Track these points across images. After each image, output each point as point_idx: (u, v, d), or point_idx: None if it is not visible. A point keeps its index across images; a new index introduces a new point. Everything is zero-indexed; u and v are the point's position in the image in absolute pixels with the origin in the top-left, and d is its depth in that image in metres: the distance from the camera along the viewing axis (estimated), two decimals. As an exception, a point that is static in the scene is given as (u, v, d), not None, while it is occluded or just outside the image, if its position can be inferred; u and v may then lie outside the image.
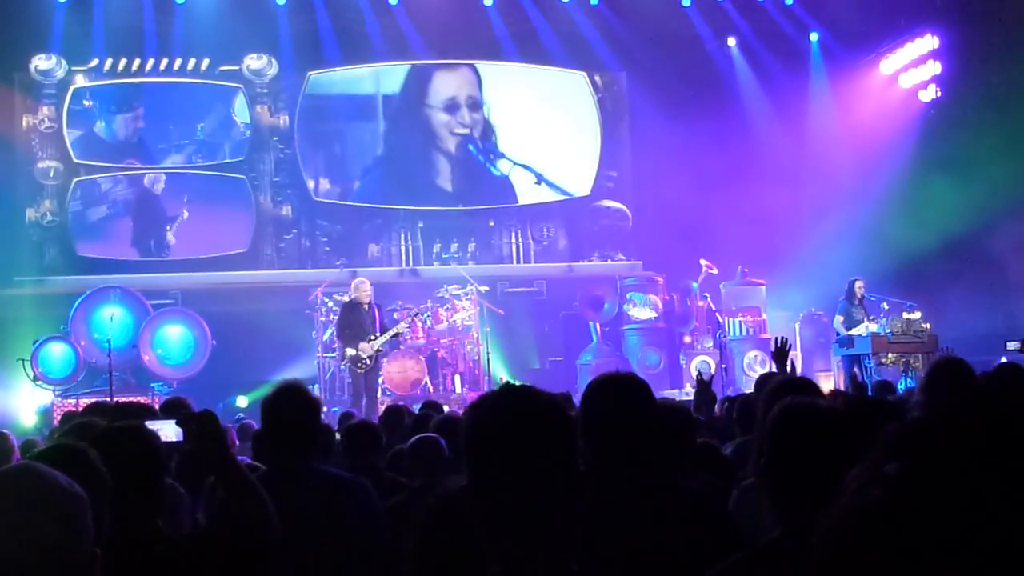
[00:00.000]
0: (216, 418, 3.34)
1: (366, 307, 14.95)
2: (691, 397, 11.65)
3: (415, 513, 4.30)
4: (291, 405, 4.19)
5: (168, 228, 19.01)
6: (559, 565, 1.93)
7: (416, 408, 8.80)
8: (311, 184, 19.74)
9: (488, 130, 20.27)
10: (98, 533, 2.11)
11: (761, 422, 3.81)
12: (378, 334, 14.77)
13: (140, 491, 3.28)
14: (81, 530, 2.05)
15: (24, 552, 1.96)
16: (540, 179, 20.27)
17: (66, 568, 2.02)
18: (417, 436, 5.36)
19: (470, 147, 20.22)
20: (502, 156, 20.20)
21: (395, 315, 16.12)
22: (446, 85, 20.34)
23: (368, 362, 14.62)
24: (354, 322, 14.83)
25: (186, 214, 19.04)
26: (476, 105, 20.28)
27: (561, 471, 1.93)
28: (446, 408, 10.39)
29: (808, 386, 3.93)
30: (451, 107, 20.25)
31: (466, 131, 20.19)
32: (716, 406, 8.31)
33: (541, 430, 1.93)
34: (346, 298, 15.63)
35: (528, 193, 20.29)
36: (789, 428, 2.65)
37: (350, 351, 14.62)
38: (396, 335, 15.31)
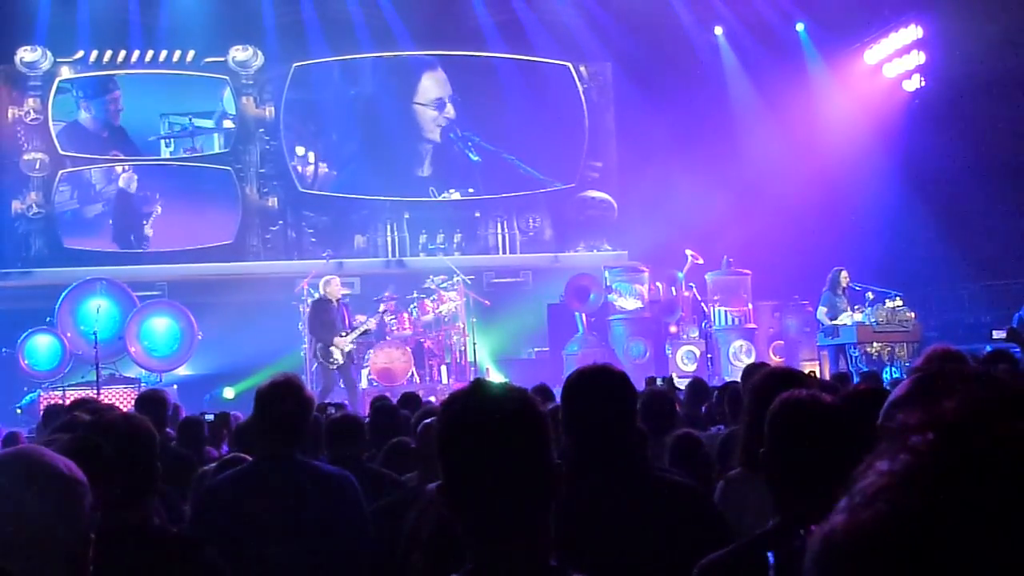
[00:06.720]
0: None
1: (335, 304, 15.11)
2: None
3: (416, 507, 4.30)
4: (288, 398, 4.18)
5: (144, 222, 18.98)
6: (539, 561, 1.94)
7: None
8: (298, 174, 19.72)
9: (472, 121, 20.26)
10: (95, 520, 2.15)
11: (748, 412, 3.84)
12: (348, 331, 14.94)
13: (132, 481, 3.29)
14: (76, 515, 2.08)
15: (15, 531, 2.00)
16: (525, 170, 20.28)
17: (56, 550, 2.05)
18: (424, 423, 5.20)
19: (453, 138, 20.21)
20: (486, 147, 20.20)
21: (382, 306, 16.10)
22: (430, 76, 20.32)
23: (340, 360, 14.80)
24: (326, 319, 14.98)
25: (159, 209, 19.00)
26: (460, 96, 20.26)
27: (535, 467, 1.94)
28: (433, 399, 10.42)
29: (796, 377, 3.93)
30: (435, 98, 20.24)
31: (450, 122, 20.19)
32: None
33: (512, 428, 1.94)
34: (316, 295, 15.68)
35: (513, 184, 20.29)
36: (791, 421, 2.69)
37: (331, 347, 14.77)
38: (365, 332, 15.40)
